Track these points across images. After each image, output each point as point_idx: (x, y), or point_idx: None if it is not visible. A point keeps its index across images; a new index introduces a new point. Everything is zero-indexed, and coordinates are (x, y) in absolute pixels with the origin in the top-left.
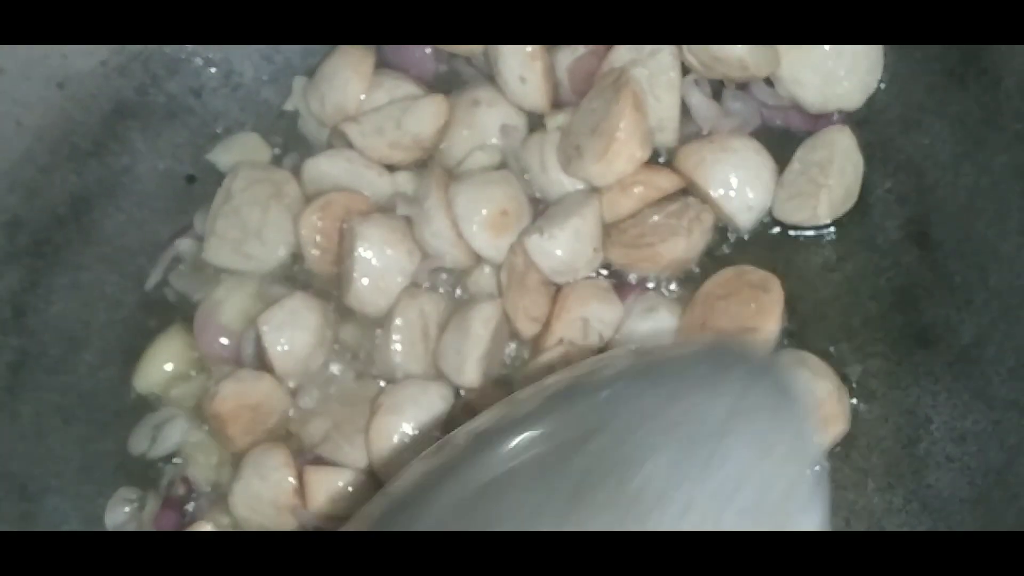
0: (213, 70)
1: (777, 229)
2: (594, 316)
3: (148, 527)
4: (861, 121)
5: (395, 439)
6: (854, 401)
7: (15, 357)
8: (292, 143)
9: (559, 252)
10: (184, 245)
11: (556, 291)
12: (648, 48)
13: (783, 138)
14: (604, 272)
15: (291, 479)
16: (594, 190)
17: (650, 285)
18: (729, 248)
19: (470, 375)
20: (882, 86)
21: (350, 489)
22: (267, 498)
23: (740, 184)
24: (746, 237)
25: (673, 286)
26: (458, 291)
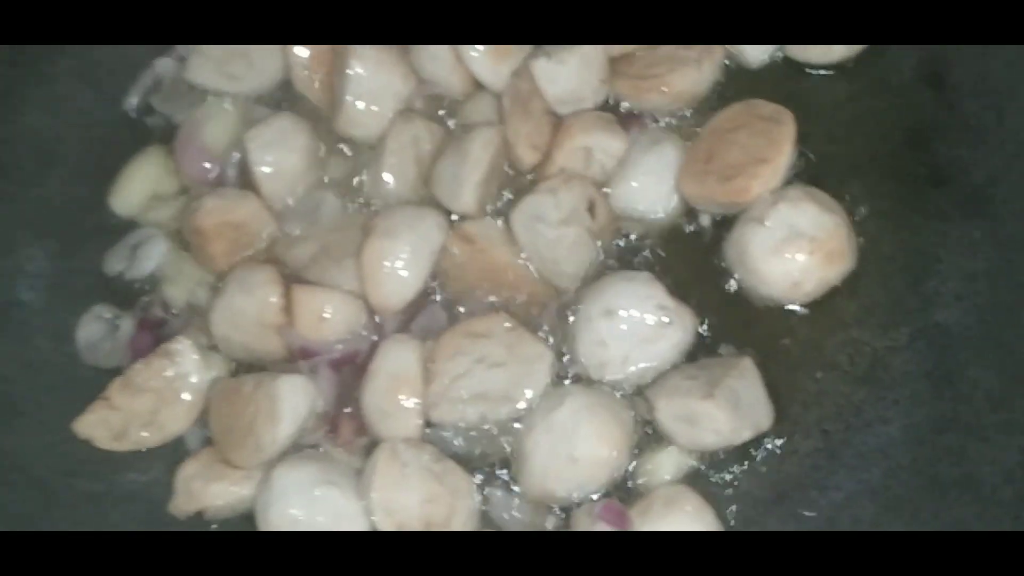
0: None
1: (788, 68)
2: (597, 146)
3: (122, 347)
4: None
5: (387, 263)
6: (862, 239)
7: None
8: None
9: (566, 78)
10: (164, 65)
11: (558, 121)
12: None
13: None
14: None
15: (277, 297)
16: None
17: (657, 122)
18: (739, 84)
19: (467, 200)
20: None
21: (340, 312)
22: (251, 314)
23: None
24: (756, 72)
25: (677, 121)
26: (451, 122)
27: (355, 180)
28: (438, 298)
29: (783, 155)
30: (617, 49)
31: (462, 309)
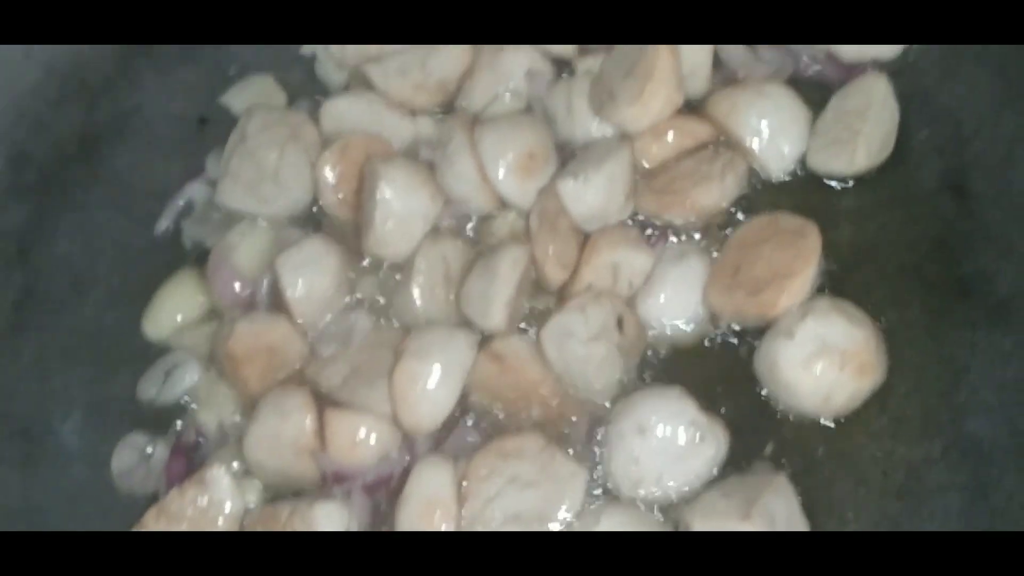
0: None
1: (810, 181)
2: (624, 262)
3: (157, 473)
4: (897, 71)
5: (419, 385)
6: (891, 351)
7: (19, 295)
8: (307, 88)
9: (593, 197)
10: (195, 190)
11: (584, 238)
12: None
13: (816, 88)
14: (632, 222)
15: (311, 421)
16: (625, 136)
17: (681, 236)
18: (762, 197)
19: (496, 318)
20: None
21: (373, 435)
22: (286, 439)
23: (773, 130)
24: (779, 187)
25: (701, 235)
26: (483, 236)
27: (384, 299)
28: (470, 417)
29: (809, 268)
30: (642, 164)
31: (494, 426)
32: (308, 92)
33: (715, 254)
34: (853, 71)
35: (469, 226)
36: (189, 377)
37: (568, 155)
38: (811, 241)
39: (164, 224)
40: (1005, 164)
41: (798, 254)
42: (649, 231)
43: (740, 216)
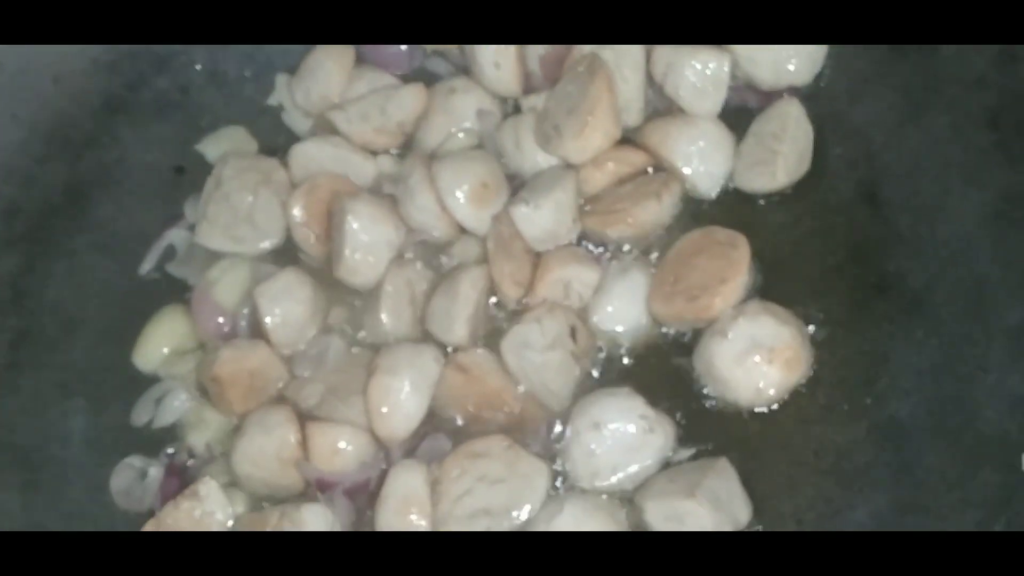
0: (199, 67)
1: (738, 197)
2: (574, 277)
3: (153, 492)
4: (811, 95)
5: (392, 397)
6: (816, 345)
7: (14, 336)
8: (275, 135)
9: (543, 221)
10: (175, 235)
11: (537, 258)
12: None
13: (738, 114)
14: (579, 242)
15: (294, 434)
16: (569, 166)
17: (623, 252)
18: (695, 214)
19: (459, 333)
20: (828, 62)
21: (351, 445)
22: (271, 453)
23: (702, 155)
24: (710, 204)
25: (642, 251)
26: (443, 260)
27: (355, 324)
28: (440, 424)
29: (740, 275)
30: (584, 190)
31: (462, 432)
32: (277, 139)
33: (654, 267)
34: (770, 97)
35: (428, 251)
36: (178, 403)
37: (518, 184)
38: (741, 251)
39: (147, 266)
40: (912, 173)
41: (730, 263)
42: (595, 249)
43: (676, 232)
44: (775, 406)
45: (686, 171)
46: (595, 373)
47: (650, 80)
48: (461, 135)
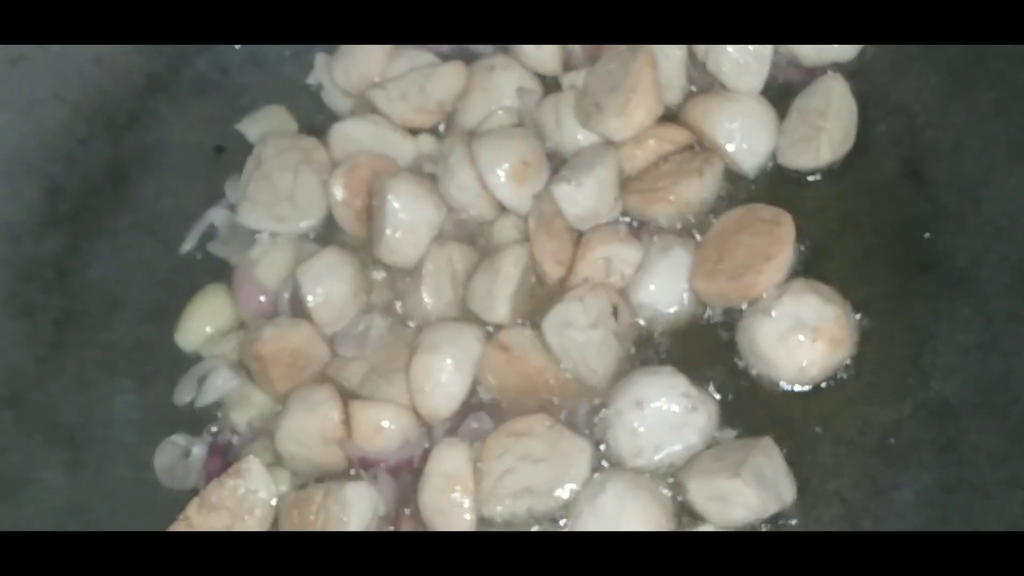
0: (238, 47)
1: (781, 175)
2: (616, 255)
3: (197, 470)
4: (854, 72)
5: (434, 376)
6: (862, 324)
7: (58, 316)
8: (315, 115)
9: (585, 199)
10: (216, 215)
11: (578, 236)
12: None
13: (781, 91)
14: (621, 220)
15: (337, 412)
16: (610, 144)
17: (667, 226)
18: (738, 191)
19: (500, 312)
20: None
21: (394, 424)
22: (314, 430)
23: (744, 132)
24: (753, 182)
25: (684, 228)
26: (484, 239)
27: (397, 303)
28: (482, 403)
29: (785, 253)
30: (625, 169)
31: (504, 412)
32: (316, 118)
33: (697, 245)
34: (813, 73)
35: (469, 230)
36: (221, 382)
37: (558, 163)
38: (785, 228)
39: (189, 245)
40: (956, 150)
41: (774, 240)
42: (637, 227)
43: (719, 209)
44: (820, 385)
45: (729, 148)
46: (637, 353)
47: (692, 57)
48: (501, 113)
